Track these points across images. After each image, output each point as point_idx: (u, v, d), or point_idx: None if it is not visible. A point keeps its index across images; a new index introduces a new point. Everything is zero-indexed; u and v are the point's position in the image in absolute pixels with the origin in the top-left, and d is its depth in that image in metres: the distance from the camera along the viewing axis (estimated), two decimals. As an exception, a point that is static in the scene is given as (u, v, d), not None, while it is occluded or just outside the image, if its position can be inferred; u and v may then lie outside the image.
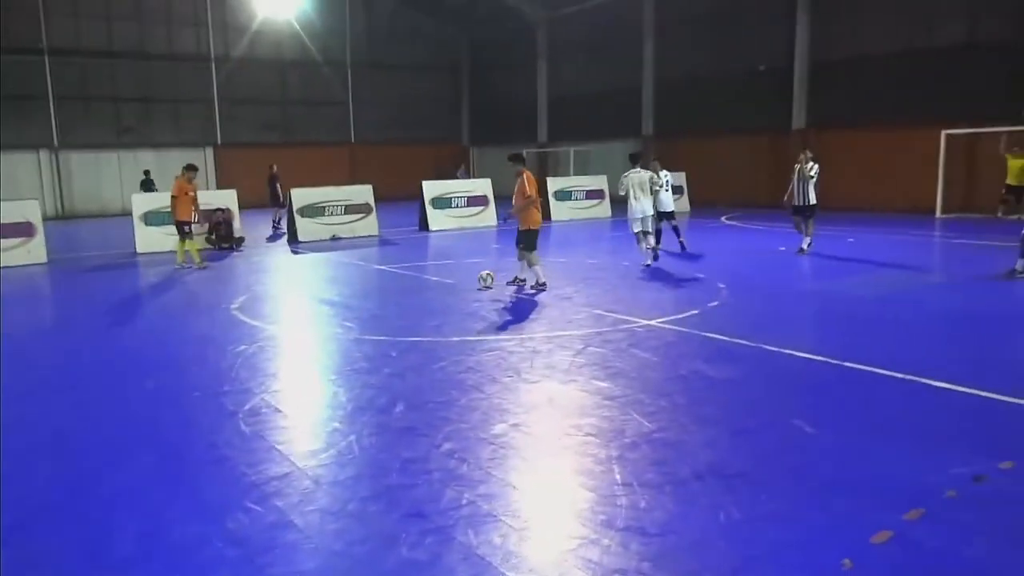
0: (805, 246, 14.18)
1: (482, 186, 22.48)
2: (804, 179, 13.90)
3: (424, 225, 20.71)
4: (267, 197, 22.12)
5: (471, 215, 21.50)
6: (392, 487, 4.52)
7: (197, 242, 14.91)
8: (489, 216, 21.75)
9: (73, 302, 12.08)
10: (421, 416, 5.75)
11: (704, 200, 25.62)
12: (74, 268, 15.10)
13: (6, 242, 15.43)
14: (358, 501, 4.34)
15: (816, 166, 14.04)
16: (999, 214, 18.64)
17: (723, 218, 22.47)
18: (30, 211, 16.13)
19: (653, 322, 8.72)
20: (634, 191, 12.78)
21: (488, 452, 5.01)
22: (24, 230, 15.79)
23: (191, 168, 14.61)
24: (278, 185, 21.57)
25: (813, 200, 13.99)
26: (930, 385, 6.20)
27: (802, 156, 14.28)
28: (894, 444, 5.02)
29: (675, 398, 6.05)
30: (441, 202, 21.08)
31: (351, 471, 4.79)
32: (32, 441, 5.47)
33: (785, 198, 14.40)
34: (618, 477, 4.56)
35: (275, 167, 22.50)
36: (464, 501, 4.29)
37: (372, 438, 5.34)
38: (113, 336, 9.16)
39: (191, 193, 14.34)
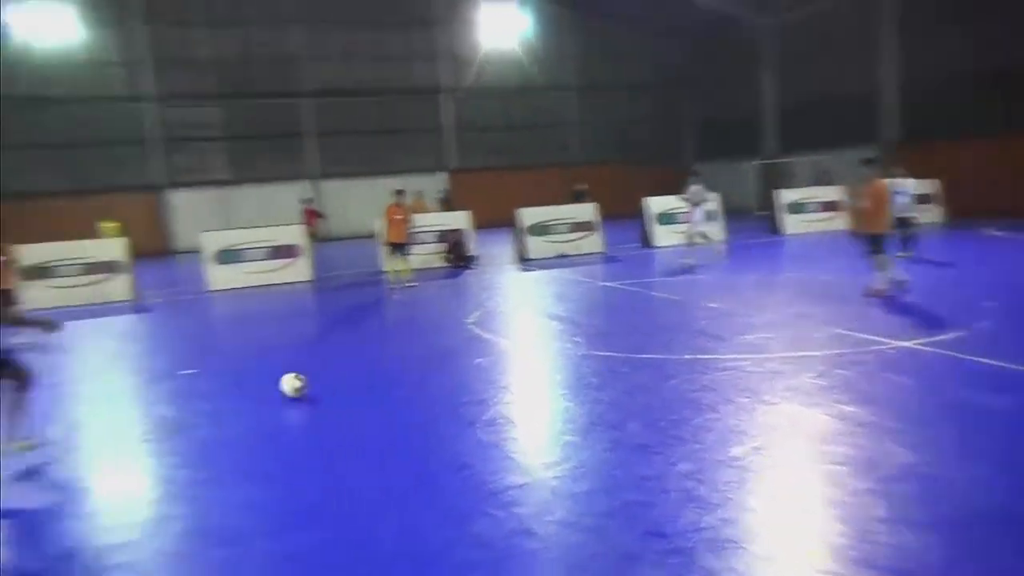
0: None
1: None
2: None
3: (647, 241, 20.56)
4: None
5: (697, 230, 20.95)
6: (629, 504, 4.48)
7: (407, 262, 15.50)
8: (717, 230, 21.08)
9: (330, 317, 13.40)
10: (654, 434, 5.67)
11: (963, 210, 23.00)
12: (331, 286, 16.77)
13: (278, 263, 17.59)
14: (595, 516, 4.35)
15: None
16: None
17: (991, 230, 20.00)
18: (295, 235, 18.23)
19: (907, 343, 7.93)
20: None
21: (726, 475, 4.81)
22: (290, 252, 17.86)
23: (399, 193, 15.39)
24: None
25: None
26: None
27: None
28: None
29: (938, 428, 5.44)
30: (666, 218, 20.80)
31: (586, 485, 4.82)
32: (297, 447, 6.12)
33: None
34: (877, 512, 4.17)
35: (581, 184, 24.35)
36: (703, 524, 4.15)
37: (606, 454, 5.34)
38: (362, 347, 10.03)
39: (399, 216, 15.07)
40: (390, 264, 15.44)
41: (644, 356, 8.15)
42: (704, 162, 38.98)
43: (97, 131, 30.76)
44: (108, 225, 25.23)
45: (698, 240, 16.75)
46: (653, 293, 12.86)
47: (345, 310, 13.55)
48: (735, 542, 3.93)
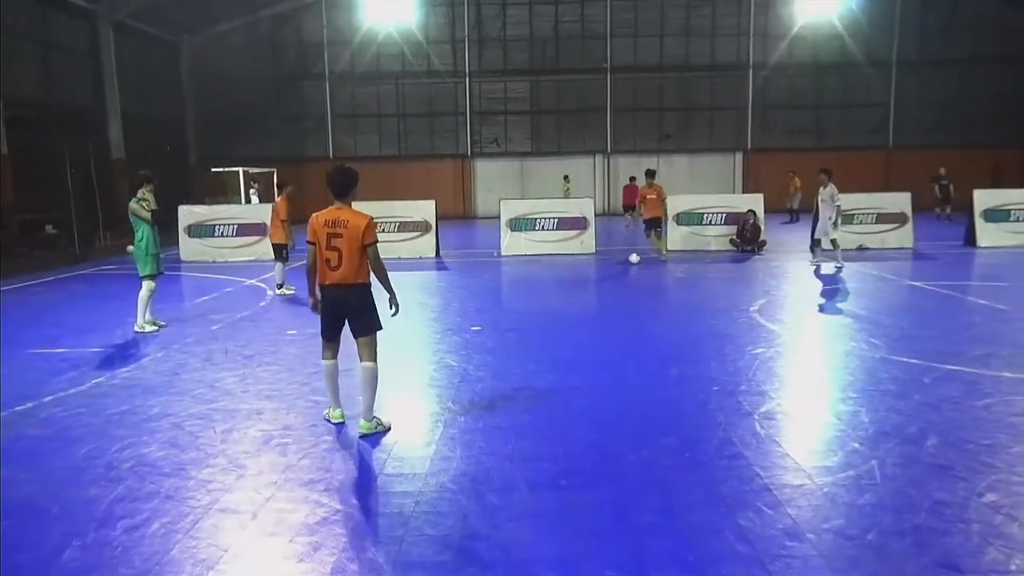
0: None
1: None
2: None
3: (971, 240, 18.05)
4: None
5: (1038, 233, 17.98)
6: (919, 528, 4.05)
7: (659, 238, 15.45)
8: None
9: (608, 290, 13.65)
10: (959, 456, 5.04)
11: None
12: (614, 260, 17.04)
13: (565, 233, 18.38)
14: (878, 533, 4.00)
15: None
16: None
17: None
18: (585, 207, 18.77)
19: None
20: None
21: (1049, 516, 4.15)
22: (580, 224, 18.45)
23: (649, 174, 16.76)
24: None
25: None
26: None
27: None
28: None
29: None
30: (998, 215, 18.09)
31: (871, 498, 4.44)
32: (567, 410, 6.35)
33: None
34: None
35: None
36: (1013, 567, 3.63)
37: (897, 468, 4.86)
38: (638, 322, 10.09)
39: (651, 196, 16.17)
40: (653, 240, 16.62)
41: (955, 368, 7.23)
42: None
43: (420, 104, 34.10)
44: (567, 185, 28.11)
45: None
46: (971, 299, 11.34)
47: (623, 285, 13.72)
48: (1052, 595, 3.39)
